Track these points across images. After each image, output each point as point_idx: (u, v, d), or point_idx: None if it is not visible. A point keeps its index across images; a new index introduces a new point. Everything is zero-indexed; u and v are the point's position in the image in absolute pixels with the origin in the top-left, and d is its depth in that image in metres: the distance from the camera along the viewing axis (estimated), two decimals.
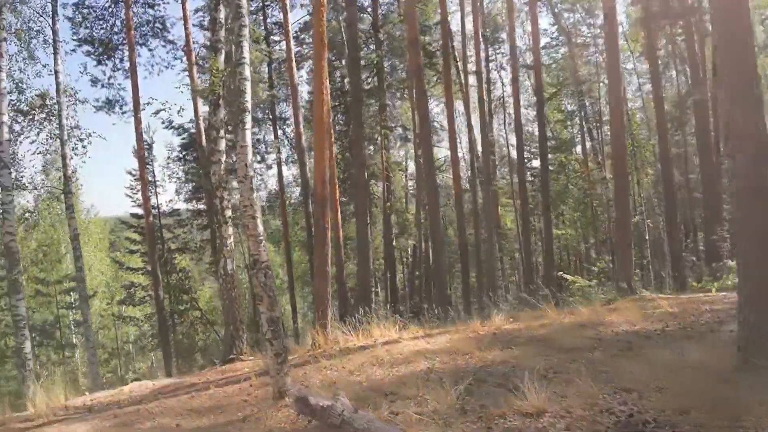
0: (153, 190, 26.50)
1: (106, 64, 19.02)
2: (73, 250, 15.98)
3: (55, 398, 8.82)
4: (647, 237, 23.89)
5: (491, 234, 22.26)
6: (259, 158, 25.88)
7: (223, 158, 11.35)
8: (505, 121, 26.76)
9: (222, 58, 11.73)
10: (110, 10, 19.64)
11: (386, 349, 8.72)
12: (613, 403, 4.83)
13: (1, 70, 12.87)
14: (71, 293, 29.53)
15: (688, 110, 24.26)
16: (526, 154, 23.39)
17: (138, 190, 27.72)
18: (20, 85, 15.69)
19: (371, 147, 23.23)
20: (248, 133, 6.29)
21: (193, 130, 21.53)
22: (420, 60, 16.04)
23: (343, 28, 20.76)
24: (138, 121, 18.02)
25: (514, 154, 25.46)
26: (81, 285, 15.42)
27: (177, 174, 27.54)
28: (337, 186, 20.07)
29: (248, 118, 6.33)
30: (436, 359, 7.67)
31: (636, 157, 26.68)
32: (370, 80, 22.70)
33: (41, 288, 28.71)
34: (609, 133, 26.55)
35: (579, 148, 28.11)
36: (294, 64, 20.11)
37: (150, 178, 26.74)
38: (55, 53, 16.26)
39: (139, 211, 27.21)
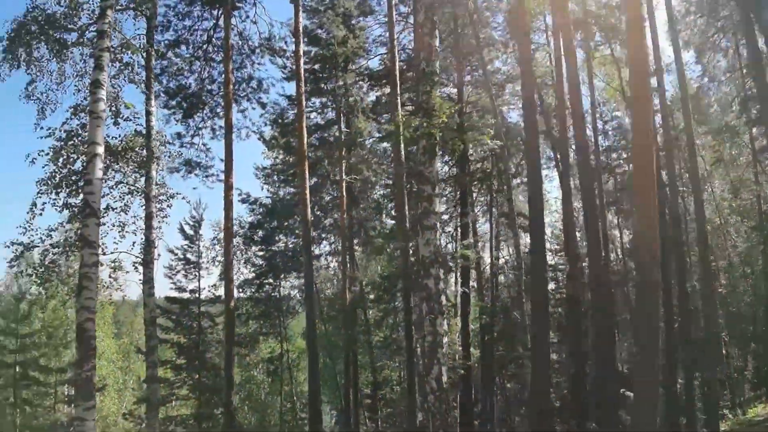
0: (197, 273, 22.29)
1: (191, 121, 15.60)
2: (146, 339, 11.44)
3: None
4: None
5: None
6: None
7: (439, 224, 7.55)
8: None
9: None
10: (200, 64, 16.66)
11: None
12: None
13: (101, 87, 9.16)
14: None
15: None
16: None
17: (177, 271, 23.44)
18: (118, 116, 11.82)
19: None
20: None
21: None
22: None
23: None
24: (229, 188, 14.22)
25: None
26: (153, 386, 10.75)
27: (219, 257, 23.18)
28: None
29: None
30: None
31: None
32: None
33: (40, 376, 23.17)
34: None
35: None
36: None
37: (194, 259, 22.64)
38: (148, 91, 12.76)
39: (177, 294, 22.77)
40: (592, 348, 13.12)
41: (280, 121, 19.01)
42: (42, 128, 11.04)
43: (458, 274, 21.40)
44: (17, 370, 17.72)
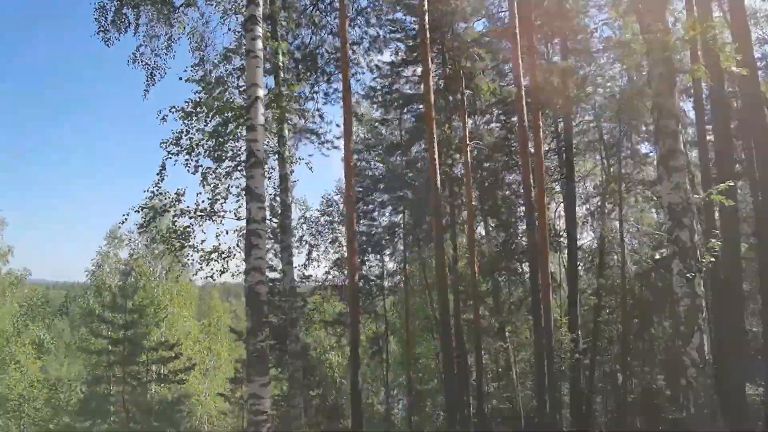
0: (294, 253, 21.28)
1: (307, 83, 14.45)
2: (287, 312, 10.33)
3: None
4: None
5: None
6: None
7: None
8: None
9: None
10: (306, 29, 15.53)
11: None
12: None
13: (257, 24, 7.84)
14: (167, 364, 23.53)
15: None
16: None
17: (267, 250, 22.53)
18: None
19: None
20: None
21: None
22: None
23: None
24: (349, 152, 12.94)
25: None
26: (297, 363, 9.56)
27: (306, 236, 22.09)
28: None
29: None
30: None
31: None
32: None
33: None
34: None
35: None
36: None
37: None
38: (276, 49, 11.56)
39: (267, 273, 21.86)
40: None
41: (378, 91, 17.79)
42: (184, 76, 9.88)
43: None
44: (121, 347, 17.09)
